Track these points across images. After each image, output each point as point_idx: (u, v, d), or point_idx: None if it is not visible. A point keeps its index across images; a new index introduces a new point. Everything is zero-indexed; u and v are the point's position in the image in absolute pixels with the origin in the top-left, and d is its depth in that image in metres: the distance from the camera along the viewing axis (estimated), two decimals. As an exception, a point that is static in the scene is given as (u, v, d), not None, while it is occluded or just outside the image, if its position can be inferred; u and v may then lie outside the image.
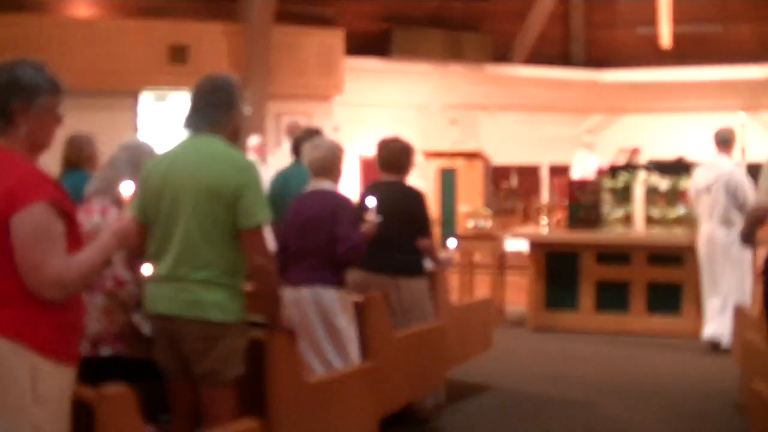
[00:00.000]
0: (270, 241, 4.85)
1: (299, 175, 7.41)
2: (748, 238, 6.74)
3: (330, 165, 5.95)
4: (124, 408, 3.46)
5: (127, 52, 14.88)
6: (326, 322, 5.61)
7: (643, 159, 15.13)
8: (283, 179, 7.67)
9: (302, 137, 7.62)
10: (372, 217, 5.93)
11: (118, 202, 4.39)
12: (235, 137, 4.59)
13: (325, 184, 5.92)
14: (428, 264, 6.84)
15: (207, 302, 4.20)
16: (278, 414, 4.50)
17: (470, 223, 11.00)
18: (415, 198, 6.69)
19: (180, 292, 4.22)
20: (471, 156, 13.90)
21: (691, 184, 9.46)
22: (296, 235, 5.80)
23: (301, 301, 5.62)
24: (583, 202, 10.34)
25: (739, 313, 7.51)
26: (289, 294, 5.54)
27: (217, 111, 4.40)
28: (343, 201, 5.86)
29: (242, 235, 4.26)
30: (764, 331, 5.96)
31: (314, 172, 5.97)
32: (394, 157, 6.73)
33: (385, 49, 17.74)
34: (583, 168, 15.53)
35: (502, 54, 19.30)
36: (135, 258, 4.51)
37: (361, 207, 6.07)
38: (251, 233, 4.26)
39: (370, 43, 17.87)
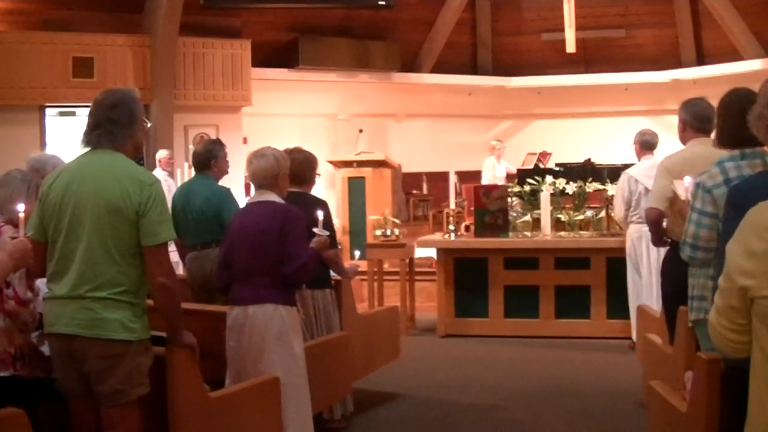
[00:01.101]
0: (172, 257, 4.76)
1: (202, 189, 7.33)
2: (658, 241, 6.85)
3: (275, 175, 5.59)
4: (19, 430, 3.40)
5: (30, 65, 14.61)
6: (277, 343, 5.37)
7: (552, 163, 15.30)
8: (185, 193, 7.53)
9: (200, 150, 7.54)
10: (322, 232, 5.83)
11: (12, 220, 4.29)
12: (137, 152, 4.51)
13: (269, 196, 5.58)
14: (334, 274, 6.81)
15: (109, 321, 4.11)
16: (181, 430, 4.41)
17: (379, 232, 10.99)
18: (320, 208, 6.64)
19: (81, 311, 4.12)
20: (379, 164, 13.90)
21: (625, 186, 9.42)
22: (242, 251, 5.50)
23: (248, 320, 5.36)
24: (490, 208, 10.38)
25: (642, 313, 7.60)
26: (236, 313, 5.40)
27: (118, 127, 4.30)
28: (293, 214, 5.52)
29: (145, 253, 4.19)
30: (665, 331, 6.03)
31: (258, 184, 5.64)
32: (297, 168, 6.61)
33: (293, 60, 17.67)
34: (492, 174, 15.64)
35: (409, 62, 19.37)
36: (34, 277, 4.40)
37: (309, 220, 5.90)
38: (154, 251, 4.20)
39: (277, 53, 17.81)
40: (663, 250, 7.22)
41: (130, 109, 4.35)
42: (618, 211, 9.45)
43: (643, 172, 9.06)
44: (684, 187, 5.09)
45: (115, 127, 4.29)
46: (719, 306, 2.41)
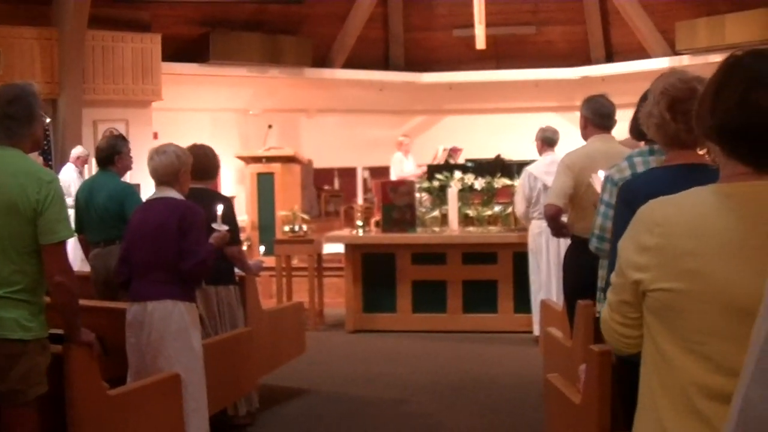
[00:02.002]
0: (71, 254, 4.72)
1: (105, 185, 7.25)
2: (557, 234, 6.98)
3: (175, 172, 5.56)
4: None
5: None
6: (177, 339, 5.31)
7: (463, 159, 15.41)
8: (88, 189, 7.43)
9: (103, 146, 7.45)
10: (221, 227, 5.80)
11: None
12: (36, 148, 4.45)
13: (170, 192, 5.54)
14: (238, 271, 6.80)
15: (5, 320, 4.05)
16: (80, 429, 4.37)
17: (287, 228, 10.98)
18: (221, 203, 6.61)
19: (-23, 310, 4.04)
20: (288, 160, 13.87)
21: (525, 183, 9.53)
22: (141, 246, 5.45)
23: (147, 316, 5.30)
24: (397, 203, 10.44)
25: (545, 307, 7.72)
26: (135, 309, 5.34)
27: (16, 122, 4.23)
28: (191, 211, 5.47)
29: (43, 251, 4.14)
30: (567, 325, 6.14)
31: (158, 180, 5.60)
32: (198, 164, 6.58)
33: (203, 54, 17.52)
34: (400, 169, 15.73)
35: (321, 57, 19.33)
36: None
37: (209, 216, 5.86)
38: (52, 249, 4.15)
39: (187, 47, 17.64)
40: (564, 246, 7.37)
41: (28, 104, 4.28)
42: (519, 207, 9.59)
43: (543, 168, 9.20)
44: (600, 181, 5.18)
45: (13, 123, 4.23)
46: (612, 302, 2.45)
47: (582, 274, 5.94)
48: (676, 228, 2.25)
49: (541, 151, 9.43)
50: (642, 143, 4.73)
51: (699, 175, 2.59)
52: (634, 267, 2.30)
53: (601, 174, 5.13)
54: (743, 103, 2.20)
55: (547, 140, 9.38)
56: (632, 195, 3.53)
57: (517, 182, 11.47)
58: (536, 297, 9.34)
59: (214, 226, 5.77)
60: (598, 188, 5.25)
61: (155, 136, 15.95)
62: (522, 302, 10.03)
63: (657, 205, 2.33)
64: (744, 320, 2.17)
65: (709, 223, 2.23)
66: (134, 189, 7.36)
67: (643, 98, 4.55)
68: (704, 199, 2.28)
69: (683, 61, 17.12)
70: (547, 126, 9.61)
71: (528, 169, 9.47)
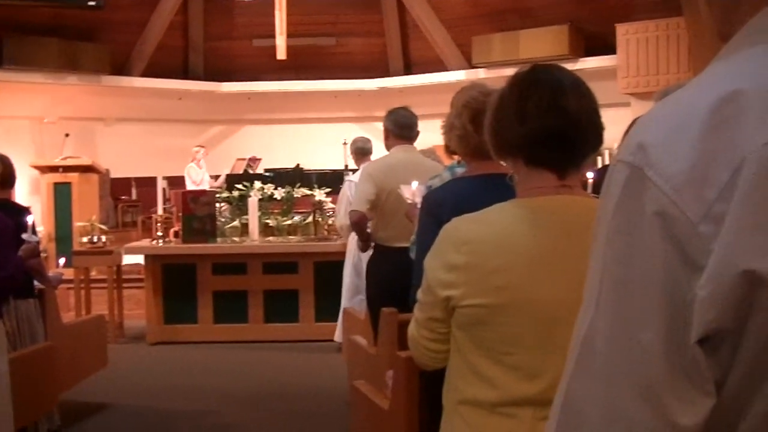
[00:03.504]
0: None
1: None
2: (362, 243, 7.16)
3: None
4: None
5: None
6: None
7: (262, 169, 15.46)
8: None
9: None
10: (31, 238, 5.65)
11: None
12: None
13: None
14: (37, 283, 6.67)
15: None
16: None
17: (85, 239, 10.79)
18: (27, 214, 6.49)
19: None
20: (86, 169, 13.60)
21: (348, 194, 9.60)
22: None
23: None
24: (197, 214, 10.40)
25: (348, 315, 7.87)
26: None
27: None
28: None
29: None
30: (371, 332, 6.29)
31: None
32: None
33: (-4, 59, 16.96)
34: (194, 180, 15.68)
35: (119, 65, 18.98)
36: None
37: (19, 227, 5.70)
38: None
39: (-22, 52, 17.02)
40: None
41: None
42: (340, 218, 9.69)
43: None
44: (411, 191, 5.29)
45: None
46: (420, 319, 2.51)
47: (385, 281, 6.12)
48: (483, 245, 2.35)
49: (357, 163, 9.57)
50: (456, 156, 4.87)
51: (500, 184, 2.68)
52: (442, 285, 2.37)
53: (414, 184, 5.29)
54: (552, 108, 2.35)
55: (360, 151, 9.51)
56: (436, 204, 3.66)
57: (316, 192, 11.62)
58: (349, 305, 9.51)
59: (24, 237, 5.66)
60: (408, 197, 5.41)
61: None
62: (323, 311, 10.16)
63: (462, 224, 2.42)
64: (551, 328, 2.33)
65: (515, 237, 2.35)
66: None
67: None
68: (508, 214, 2.40)
69: (479, 74, 17.65)
70: (358, 137, 9.72)
71: (349, 179, 9.60)
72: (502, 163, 2.64)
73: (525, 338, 2.35)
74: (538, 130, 2.36)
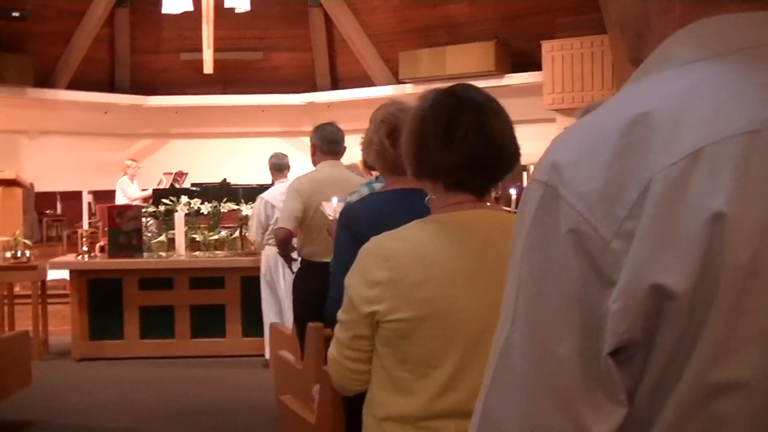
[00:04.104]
0: None
1: None
2: (285, 259, 7.18)
3: None
4: None
5: None
6: None
7: (189, 183, 15.38)
8: None
9: None
10: None
11: None
12: None
13: None
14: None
15: None
16: None
17: (9, 254, 10.64)
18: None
19: None
20: (9, 183, 13.41)
21: (261, 210, 9.60)
22: None
23: None
24: (123, 228, 10.31)
25: (275, 330, 7.88)
26: None
27: None
28: None
29: None
30: (297, 347, 6.30)
31: None
32: None
33: None
34: (126, 194, 15.55)
35: (44, 77, 18.78)
36: None
37: None
38: None
39: None
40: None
41: None
42: (254, 233, 9.66)
43: (278, 197, 9.34)
44: (332, 207, 5.32)
45: None
46: (342, 339, 2.51)
47: (312, 296, 6.14)
48: (404, 260, 2.38)
49: (273, 179, 9.56)
50: (376, 172, 4.91)
51: (416, 199, 2.71)
52: (366, 301, 2.39)
53: (335, 201, 5.32)
54: (480, 133, 2.39)
55: (276, 167, 9.50)
56: (353, 218, 3.69)
57: (243, 207, 11.59)
58: (269, 321, 9.50)
59: None
60: (330, 214, 5.44)
61: None
62: (250, 326, 10.12)
63: (383, 241, 2.45)
64: (474, 339, 2.39)
65: (435, 251, 2.39)
66: None
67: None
68: (427, 230, 2.44)
69: (406, 89, 17.77)
70: (274, 153, 9.70)
71: (263, 196, 9.56)
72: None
73: (448, 350, 2.39)
74: (467, 156, 2.41)
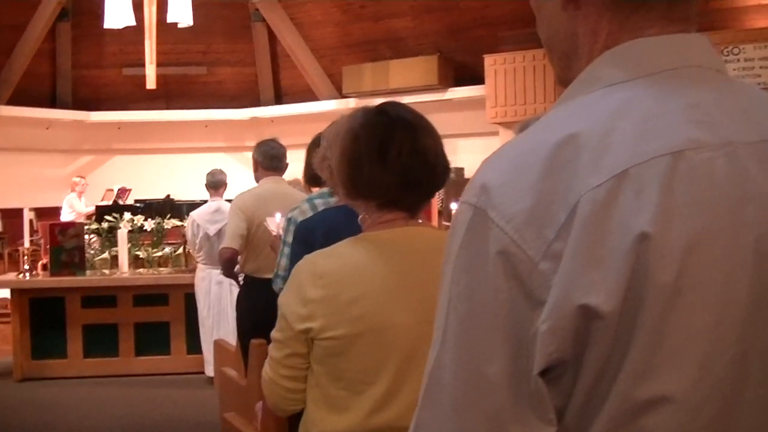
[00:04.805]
0: None
1: None
2: (229, 276, 7.16)
3: None
4: None
5: None
6: None
7: (132, 199, 15.28)
8: None
9: None
10: None
11: None
12: None
13: None
14: None
15: None
16: None
17: (-53, 273, 10.51)
18: None
19: None
20: (-51, 201, 13.29)
21: (189, 229, 9.57)
22: None
23: None
24: (65, 246, 10.21)
25: (218, 347, 7.83)
26: None
27: None
28: None
29: None
30: (241, 364, 6.28)
31: None
32: None
33: None
34: (74, 210, 15.41)
35: (-17, 93, 18.58)
36: None
37: None
38: None
39: None
40: (230, 287, 7.54)
41: None
42: (191, 251, 9.68)
43: (206, 216, 9.31)
44: (276, 223, 5.31)
45: None
46: (278, 357, 2.51)
47: (255, 313, 6.13)
48: (337, 277, 2.40)
49: (211, 196, 9.53)
50: (316, 189, 4.93)
51: None
52: (300, 319, 2.41)
53: (278, 216, 5.31)
54: (413, 152, 2.42)
55: (211, 184, 9.46)
56: (309, 233, 3.71)
57: (186, 223, 11.55)
58: (204, 338, 9.47)
59: None
60: (273, 229, 5.43)
61: None
62: (195, 343, 10.05)
63: (317, 258, 2.47)
64: (408, 356, 2.41)
65: (368, 269, 2.42)
66: None
67: (315, 144, 4.78)
68: (360, 247, 2.46)
69: (350, 104, 17.76)
70: (211, 170, 9.64)
71: (192, 215, 9.54)
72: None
73: (383, 367, 2.41)
74: (402, 174, 2.43)
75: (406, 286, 2.42)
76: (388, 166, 2.43)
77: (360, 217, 2.59)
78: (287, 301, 2.47)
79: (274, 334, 2.53)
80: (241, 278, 7.14)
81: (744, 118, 1.20)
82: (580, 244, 1.08)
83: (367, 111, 2.55)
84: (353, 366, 2.42)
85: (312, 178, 4.83)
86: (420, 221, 2.55)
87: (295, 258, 3.65)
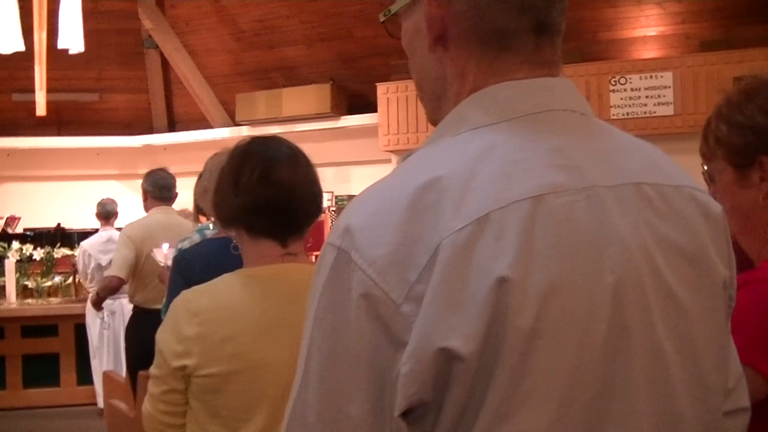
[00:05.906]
0: None
1: None
2: (99, 305, 7.14)
3: None
4: None
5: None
6: None
7: (21, 228, 14.99)
8: None
9: None
10: None
11: None
12: None
13: None
14: None
15: None
16: None
17: None
18: None
19: None
20: None
21: (80, 259, 9.44)
22: None
23: None
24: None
25: (108, 379, 7.75)
26: None
27: None
28: None
29: None
30: (131, 395, 6.23)
31: None
32: None
33: None
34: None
35: None
36: None
37: None
38: None
39: None
40: (121, 319, 7.48)
41: None
42: (82, 281, 9.56)
43: (97, 246, 9.21)
44: (163, 254, 5.28)
45: None
46: (156, 393, 2.51)
47: (144, 344, 6.08)
48: (213, 315, 2.42)
49: (102, 225, 9.42)
50: (204, 219, 4.93)
51: None
52: (176, 356, 2.41)
53: (165, 247, 5.29)
54: (264, 180, 2.47)
55: (102, 214, 9.38)
56: (186, 265, 3.71)
57: (77, 252, 11.39)
58: (96, 370, 9.35)
59: None
60: (161, 260, 5.40)
61: None
62: (85, 374, 9.90)
63: (192, 296, 2.48)
64: (283, 393, 2.44)
65: (243, 306, 2.44)
66: None
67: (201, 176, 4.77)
68: (237, 284, 2.49)
69: (243, 131, 17.64)
70: (101, 200, 9.55)
71: (83, 245, 9.44)
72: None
73: (258, 404, 2.44)
74: (251, 202, 2.49)
75: (282, 323, 2.45)
76: (239, 191, 2.50)
77: (232, 244, 2.64)
78: (164, 338, 2.48)
79: (152, 370, 2.53)
80: (130, 308, 7.10)
81: (605, 162, 1.23)
82: (441, 287, 1.09)
83: (237, 144, 2.63)
84: (230, 403, 2.44)
85: (200, 208, 4.83)
86: (298, 255, 2.58)
87: (174, 287, 3.65)
